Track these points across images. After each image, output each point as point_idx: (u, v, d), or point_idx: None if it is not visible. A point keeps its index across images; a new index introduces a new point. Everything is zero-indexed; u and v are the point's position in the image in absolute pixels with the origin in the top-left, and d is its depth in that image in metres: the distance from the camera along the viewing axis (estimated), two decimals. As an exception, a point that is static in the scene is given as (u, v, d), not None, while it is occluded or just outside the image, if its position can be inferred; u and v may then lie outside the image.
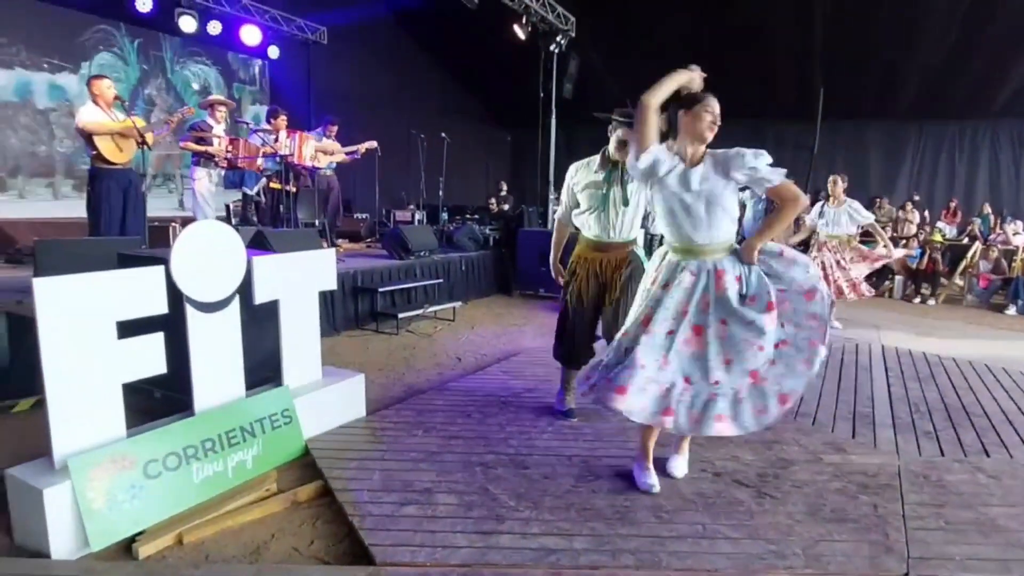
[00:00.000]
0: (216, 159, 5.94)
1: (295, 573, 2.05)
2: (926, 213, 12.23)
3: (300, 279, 3.14)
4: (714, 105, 2.39)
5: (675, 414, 2.33)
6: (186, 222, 6.52)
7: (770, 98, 12.59)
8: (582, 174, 3.26)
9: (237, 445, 2.69)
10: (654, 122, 2.39)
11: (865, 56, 11.26)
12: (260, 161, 6.19)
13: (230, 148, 5.85)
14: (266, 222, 6.35)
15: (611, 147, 3.17)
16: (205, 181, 5.95)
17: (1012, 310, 7.60)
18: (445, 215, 8.97)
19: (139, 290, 2.42)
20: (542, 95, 8.80)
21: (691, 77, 2.42)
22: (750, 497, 2.56)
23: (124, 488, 2.29)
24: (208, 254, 2.67)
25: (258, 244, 4.40)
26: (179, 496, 2.44)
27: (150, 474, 2.37)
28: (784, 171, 2.33)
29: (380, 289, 5.80)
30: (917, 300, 8.48)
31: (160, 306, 2.49)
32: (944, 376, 4.41)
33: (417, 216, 8.79)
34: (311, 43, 9.91)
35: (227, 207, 6.74)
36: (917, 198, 12.55)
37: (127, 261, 3.31)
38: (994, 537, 2.27)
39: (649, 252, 3.04)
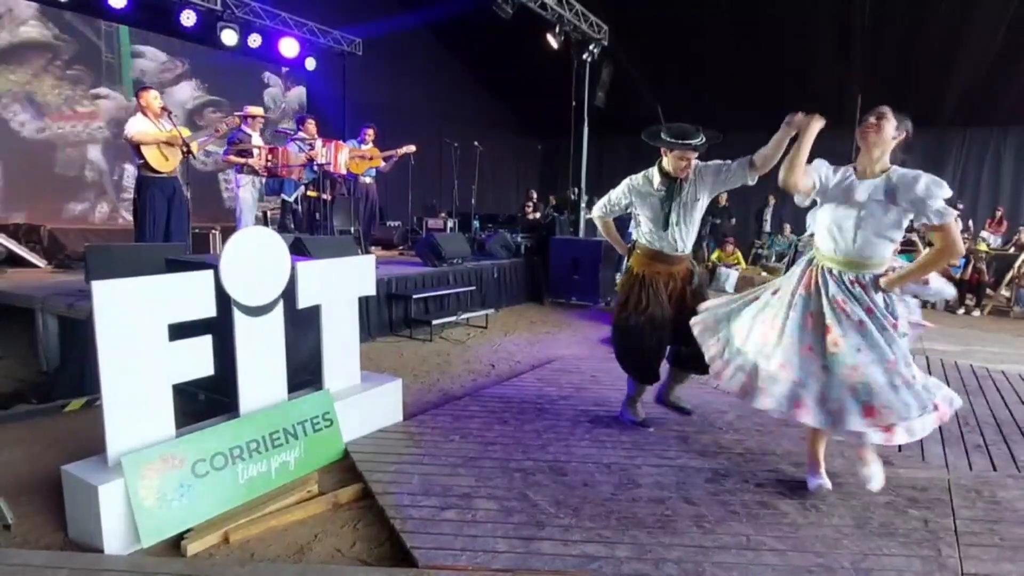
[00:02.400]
0: (258, 169, 6.09)
1: (345, 573, 2.08)
2: (970, 222, 11.88)
3: (341, 284, 3.20)
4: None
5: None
6: (225, 230, 6.76)
7: (807, 105, 12.38)
8: (644, 187, 3.24)
9: (280, 447, 2.74)
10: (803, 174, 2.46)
11: (906, 63, 11.05)
12: (298, 171, 6.32)
13: (270, 157, 5.98)
14: (302, 229, 6.48)
15: (668, 164, 3.15)
16: (249, 188, 6.09)
17: (1063, 322, 7.32)
18: (477, 223, 9.02)
19: (189, 294, 2.49)
20: (574, 104, 8.80)
21: (816, 128, 2.45)
22: (795, 509, 2.51)
23: (173, 487, 2.35)
24: (255, 259, 2.74)
25: (297, 250, 4.49)
26: (225, 495, 2.49)
27: (198, 473, 2.43)
28: (955, 213, 2.29)
29: (414, 296, 5.86)
30: (961, 311, 8.23)
31: (209, 309, 2.56)
32: (993, 389, 4.26)
33: (449, 224, 8.86)
34: (347, 54, 10.11)
35: (264, 214, 6.89)
36: (961, 207, 12.18)
37: (175, 266, 3.40)
38: (1054, 555, 2.19)
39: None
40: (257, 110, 6.52)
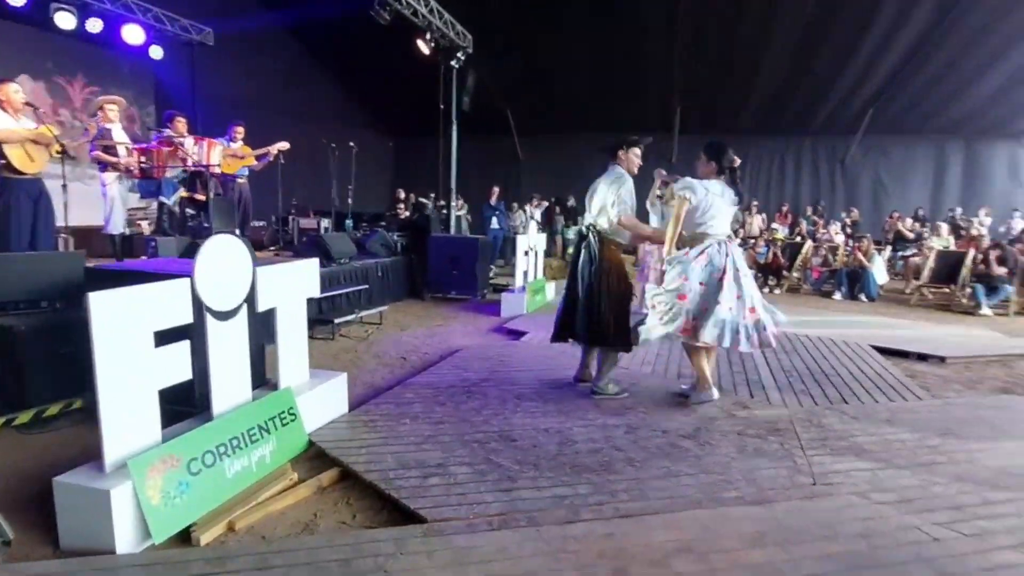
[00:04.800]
0: (125, 168, 5.74)
1: (364, 536, 2.39)
2: (764, 216, 14.29)
3: (292, 287, 3.39)
4: None
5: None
6: (82, 232, 6.22)
7: (639, 112, 14.03)
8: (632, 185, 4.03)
9: (257, 442, 2.91)
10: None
11: (715, 82, 13.00)
12: (171, 172, 6.05)
13: (143, 159, 5.68)
14: (179, 232, 6.20)
15: (631, 165, 4.08)
16: (116, 186, 5.71)
17: (838, 296, 9.32)
18: (351, 222, 9.10)
19: (171, 301, 2.60)
20: (442, 107, 9.23)
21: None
22: (694, 446, 3.27)
23: (174, 485, 2.47)
24: (223, 266, 2.87)
25: (192, 254, 4.45)
26: (217, 490, 2.64)
27: (192, 471, 2.56)
28: None
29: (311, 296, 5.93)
30: (766, 290, 10.04)
31: (186, 316, 2.68)
32: (804, 348, 5.53)
33: (324, 224, 8.83)
34: (196, 44, 9.52)
35: (129, 216, 6.46)
36: (757, 203, 14.60)
37: (97, 277, 3.33)
38: (864, 456, 3.16)
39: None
40: (113, 101, 6.09)
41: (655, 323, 3.77)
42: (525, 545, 2.29)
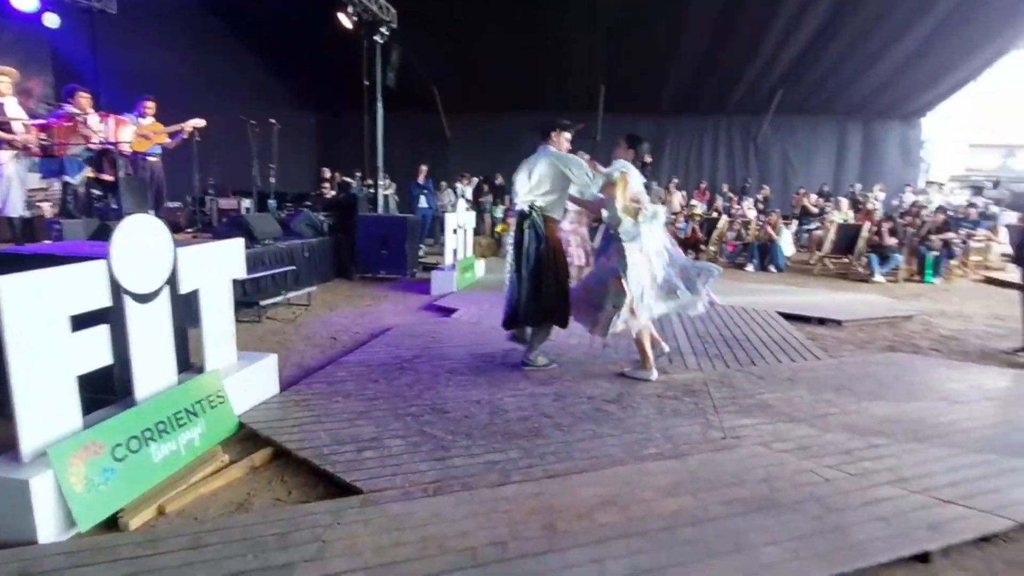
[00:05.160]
0: (23, 145, 5.35)
1: (300, 510, 2.43)
2: (684, 193, 14.87)
3: (216, 268, 3.32)
4: None
5: None
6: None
7: (565, 91, 14.20)
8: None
9: (185, 426, 2.88)
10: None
11: (636, 63, 13.30)
12: (75, 150, 5.68)
13: (43, 136, 5.31)
14: (84, 214, 5.85)
15: (564, 146, 4.22)
16: (13, 165, 5.32)
17: (750, 267, 9.91)
18: (274, 202, 8.82)
19: (87, 284, 2.51)
20: (367, 83, 9.04)
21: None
22: (617, 409, 3.47)
23: (98, 472, 2.42)
24: (142, 247, 2.79)
25: (103, 237, 4.26)
26: (145, 475, 2.60)
27: (117, 457, 2.51)
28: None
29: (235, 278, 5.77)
30: (686, 264, 10.53)
31: (104, 299, 2.60)
32: (718, 317, 5.89)
33: (245, 204, 8.52)
34: (96, 12, 8.85)
35: (28, 197, 6.03)
36: (677, 180, 15.17)
37: (8, 262, 3.15)
38: (768, 411, 3.46)
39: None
40: (3, 72, 5.64)
41: (645, 305, 3.93)
42: (459, 508, 2.41)
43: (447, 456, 2.85)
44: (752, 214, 11.48)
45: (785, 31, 12.23)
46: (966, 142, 21.97)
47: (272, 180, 8.53)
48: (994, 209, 11.83)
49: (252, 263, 6.28)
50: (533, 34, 12.53)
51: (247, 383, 3.42)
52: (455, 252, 8.18)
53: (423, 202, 12.81)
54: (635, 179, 4.00)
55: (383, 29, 8.75)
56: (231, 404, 3.20)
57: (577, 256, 6.61)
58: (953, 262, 8.99)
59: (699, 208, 13.44)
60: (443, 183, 14.16)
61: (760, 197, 13.85)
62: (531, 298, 4.02)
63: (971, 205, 11.42)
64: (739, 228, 10.87)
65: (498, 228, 12.40)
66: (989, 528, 2.34)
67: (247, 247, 6.37)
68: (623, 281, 3.85)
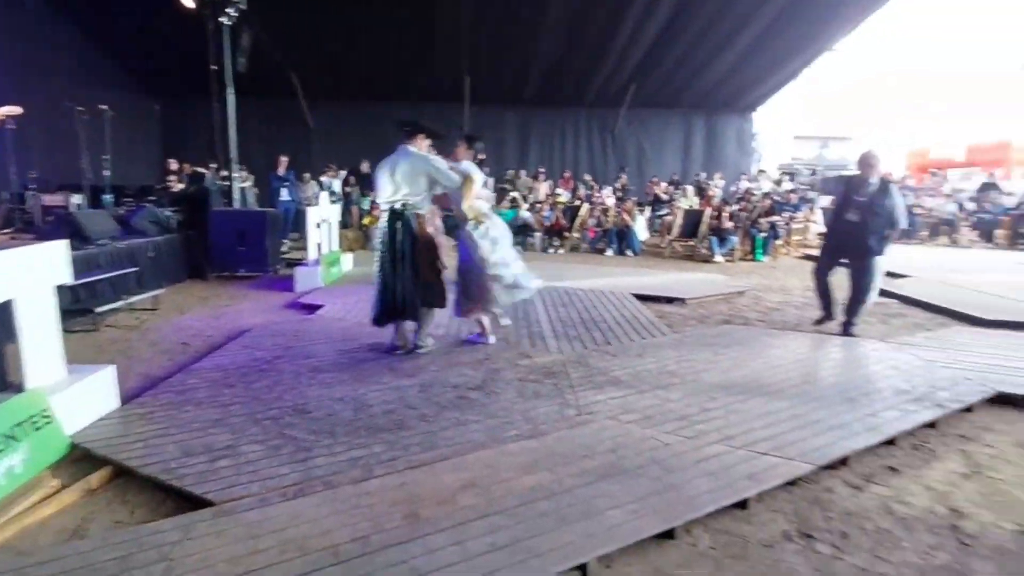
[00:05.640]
0: None
1: (144, 530, 2.29)
2: (549, 182, 15.41)
3: (33, 275, 2.99)
4: None
5: None
6: None
7: (431, 81, 14.09)
8: None
9: (3, 452, 2.58)
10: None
11: (500, 53, 13.50)
12: None
13: None
14: None
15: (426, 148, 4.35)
16: None
17: (609, 252, 10.53)
18: (110, 198, 7.98)
19: None
20: (214, 67, 8.42)
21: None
22: (481, 396, 3.59)
23: None
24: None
25: None
26: (-47, 511, 2.32)
27: (-84, 495, 2.22)
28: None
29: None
30: (551, 251, 10.97)
31: None
32: (578, 301, 6.24)
33: (75, 200, 7.62)
34: None
35: None
36: (543, 170, 15.67)
37: None
38: (619, 386, 3.75)
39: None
40: None
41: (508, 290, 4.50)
42: (321, 508, 2.39)
43: (309, 457, 2.81)
44: (611, 202, 12.17)
45: (633, 29, 12.99)
46: (791, 134, 24.72)
47: (106, 173, 7.70)
48: (812, 194, 13.46)
49: (84, 266, 5.69)
50: (398, 22, 12.30)
51: (80, 399, 3.13)
52: (319, 247, 7.93)
53: (284, 195, 12.18)
54: (479, 178, 4.40)
55: (230, 10, 8.17)
56: (60, 424, 2.91)
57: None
58: (779, 242, 10.15)
59: (563, 196, 14.00)
60: (306, 175, 13.57)
61: (618, 186, 14.70)
62: (412, 292, 4.22)
63: (792, 191, 12.91)
64: (599, 215, 11.48)
65: (366, 220, 12.13)
66: (795, 473, 2.73)
67: (77, 248, 5.79)
68: (485, 266, 4.26)
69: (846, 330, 4.99)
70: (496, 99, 15.09)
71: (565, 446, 2.94)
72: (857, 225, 4.88)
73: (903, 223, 5.01)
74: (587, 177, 15.59)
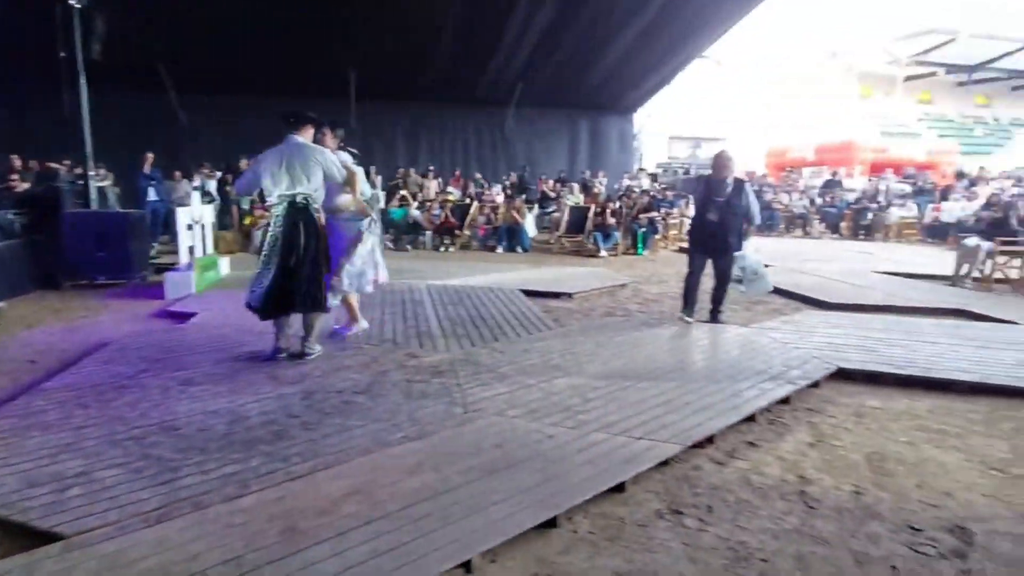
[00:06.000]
0: None
1: (-24, 573, 2.04)
2: (440, 180, 15.34)
3: None
4: None
5: None
6: None
7: (316, 76, 13.52)
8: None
9: None
10: None
11: (391, 50, 13.18)
12: None
13: None
14: None
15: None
16: None
17: (500, 249, 10.68)
18: (-68, 199, 6.99)
19: None
20: (62, 55, 7.59)
21: None
22: (366, 400, 3.53)
23: None
24: None
25: None
26: None
27: None
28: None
29: None
30: (442, 249, 10.95)
31: None
32: (468, 299, 6.28)
33: None
34: None
35: None
36: (433, 168, 15.58)
37: None
38: (506, 382, 3.81)
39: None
40: None
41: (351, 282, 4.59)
42: (188, 531, 2.24)
43: (175, 478, 2.62)
44: (501, 199, 12.34)
45: (518, 30, 13.23)
46: (667, 134, 26.27)
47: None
48: (669, 193, 14.38)
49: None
50: (277, 13, 11.68)
51: None
52: (192, 250, 7.41)
53: (152, 194, 11.28)
54: (360, 171, 4.46)
55: (80, -7, 7.40)
56: None
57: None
58: (657, 236, 10.77)
59: (454, 195, 14.01)
60: (177, 173, 12.62)
61: (508, 183, 14.92)
62: (308, 289, 4.12)
63: (668, 187, 13.74)
64: (488, 212, 11.59)
65: (247, 220, 11.47)
66: (667, 454, 2.92)
67: None
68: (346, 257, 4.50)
69: (714, 318, 5.38)
70: (384, 96, 14.78)
71: (451, 445, 2.95)
72: (718, 225, 5.15)
73: (758, 219, 5.48)
74: (477, 175, 15.70)
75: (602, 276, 7.92)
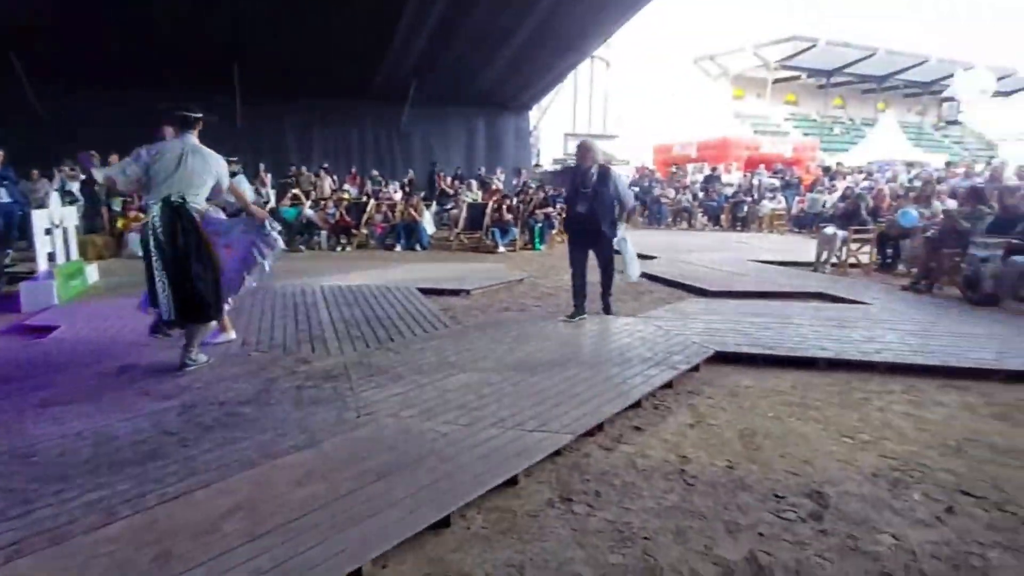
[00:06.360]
0: None
1: None
2: (334, 178, 14.84)
3: None
4: None
5: None
6: None
7: (194, 70, 12.61)
8: None
9: None
10: None
11: (276, 38, 12.52)
12: None
13: None
14: None
15: None
16: None
17: (399, 248, 10.52)
18: None
19: None
20: None
21: None
22: (252, 410, 3.36)
23: None
24: None
25: None
26: None
27: None
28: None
29: None
30: (339, 249, 10.62)
31: None
32: (363, 299, 6.14)
33: None
34: None
35: None
36: (326, 165, 15.04)
37: None
38: (400, 382, 3.77)
39: None
40: None
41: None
42: (45, 567, 2.05)
43: (30, 510, 2.38)
44: (399, 197, 12.15)
45: (411, 23, 13.01)
46: (563, 131, 26.93)
47: None
48: (532, 186, 14.81)
49: None
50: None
51: None
52: (52, 256, 6.74)
53: (4, 195, 10.09)
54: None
55: None
56: None
57: None
58: (554, 231, 11.03)
59: (351, 193, 13.61)
60: (35, 172, 11.39)
61: (406, 181, 14.72)
62: (204, 295, 3.92)
63: (537, 183, 14.07)
64: (386, 210, 11.38)
65: (120, 223, 10.55)
66: (559, 444, 3.00)
67: None
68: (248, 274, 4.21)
69: (605, 309, 5.58)
70: (273, 91, 14.05)
71: (343, 451, 2.88)
72: (588, 215, 5.09)
73: (630, 202, 5.44)
74: (375, 172, 15.35)
75: (500, 272, 8.00)
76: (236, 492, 2.52)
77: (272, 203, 11.54)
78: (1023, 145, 30.84)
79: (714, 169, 18.26)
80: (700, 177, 18.55)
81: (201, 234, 3.91)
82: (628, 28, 14.51)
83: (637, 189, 17.01)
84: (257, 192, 11.49)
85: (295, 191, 11.96)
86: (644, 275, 7.57)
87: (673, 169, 19.91)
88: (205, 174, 3.96)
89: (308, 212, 11.00)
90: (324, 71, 14.22)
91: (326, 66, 14.02)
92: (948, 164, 17.41)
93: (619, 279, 5.68)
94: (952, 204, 8.67)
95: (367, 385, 3.74)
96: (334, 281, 7.20)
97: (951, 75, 29.82)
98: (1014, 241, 6.00)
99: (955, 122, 34.64)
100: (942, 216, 7.36)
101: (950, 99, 31.50)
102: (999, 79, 30.44)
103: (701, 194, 16.35)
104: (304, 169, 14.54)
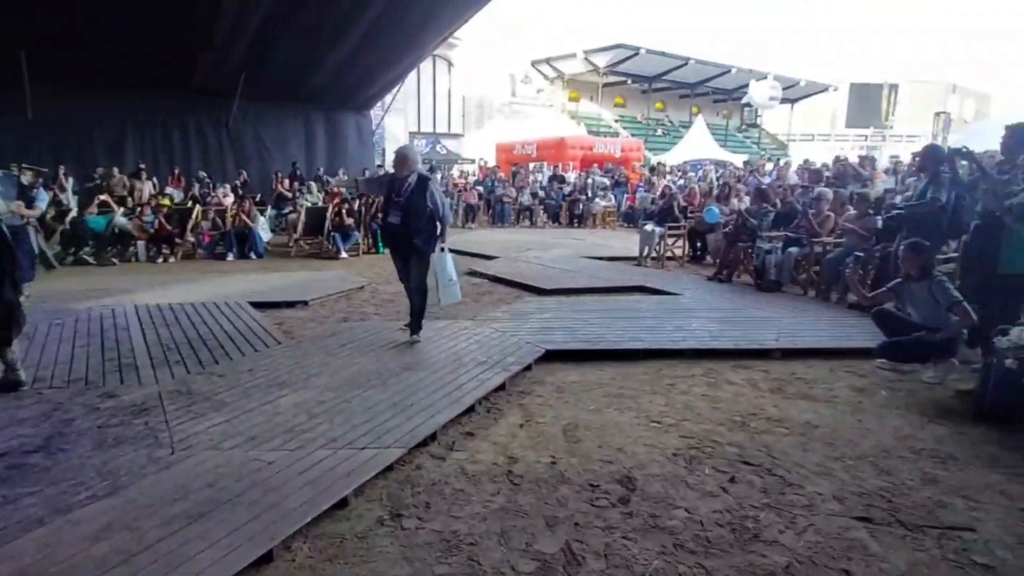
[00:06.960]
0: None
1: None
2: (155, 180, 13.38)
3: None
4: None
5: None
6: None
7: None
8: None
9: None
10: None
11: (74, 25, 11.00)
12: None
13: None
14: None
15: None
16: None
17: (231, 257, 9.78)
18: None
19: None
20: None
21: None
22: (42, 459, 3.00)
23: None
24: None
25: None
26: None
27: None
28: None
29: None
30: (160, 261, 9.64)
31: None
32: (185, 318, 5.66)
33: None
34: None
35: None
36: (143, 166, 13.52)
37: None
38: (224, 410, 3.55)
39: None
40: None
41: None
42: None
43: None
44: (229, 201, 11.29)
45: (236, 12, 12.10)
46: (407, 130, 26.69)
47: None
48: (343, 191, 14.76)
49: None
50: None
51: None
52: None
53: None
54: None
55: None
56: None
57: None
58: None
59: (175, 196, 12.37)
60: None
61: (238, 183, 13.71)
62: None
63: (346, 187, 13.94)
64: (214, 216, 10.55)
65: None
66: (391, 459, 3.03)
67: None
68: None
69: (412, 331, 4.97)
70: (75, 83, 12.30)
71: (152, 495, 2.67)
72: (400, 227, 4.76)
73: (448, 219, 4.96)
74: (202, 174, 14.10)
75: (341, 279, 7.78)
76: (19, 558, 2.25)
77: (75, 211, 10.17)
78: (807, 145, 36.23)
79: (555, 168, 19.21)
80: (540, 176, 19.38)
81: (13, 248, 3.78)
82: (468, 29, 14.74)
83: (481, 189, 17.38)
84: (56, 200, 10.07)
85: (103, 196, 10.63)
86: (485, 276, 7.80)
87: (514, 169, 20.57)
88: (7, 183, 3.65)
89: (120, 220, 9.84)
90: (131, 60, 12.77)
91: (137, 55, 12.61)
92: (745, 163, 19.88)
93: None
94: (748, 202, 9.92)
95: (184, 416, 3.48)
96: (151, 299, 6.54)
97: (748, 84, 34.26)
98: (790, 235, 7.05)
99: (754, 125, 39.58)
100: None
101: (748, 105, 35.94)
102: (785, 88, 35.43)
103: (541, 193, 17.09)
104: (115, 171, 12.96)
